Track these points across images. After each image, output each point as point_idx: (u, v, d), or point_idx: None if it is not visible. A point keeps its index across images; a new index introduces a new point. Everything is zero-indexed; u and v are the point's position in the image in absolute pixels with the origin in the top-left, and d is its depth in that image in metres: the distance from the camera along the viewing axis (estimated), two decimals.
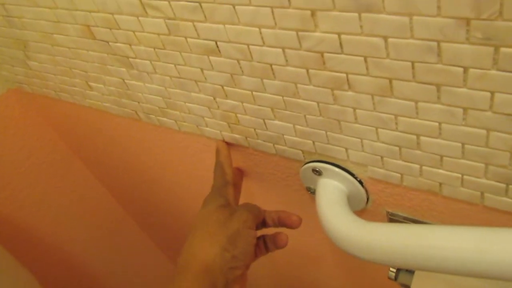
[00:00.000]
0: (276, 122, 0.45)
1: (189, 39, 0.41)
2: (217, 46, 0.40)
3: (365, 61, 0.32)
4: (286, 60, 0.36)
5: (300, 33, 0.33)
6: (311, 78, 0.37)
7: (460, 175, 0.38)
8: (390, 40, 0.29)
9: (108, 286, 1.21)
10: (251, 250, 0.44)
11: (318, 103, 0.39)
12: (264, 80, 0.40)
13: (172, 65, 0.46)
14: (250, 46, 0.37)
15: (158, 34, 0.43)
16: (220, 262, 0.41)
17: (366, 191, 0.47)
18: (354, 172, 0.46)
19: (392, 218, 0.49)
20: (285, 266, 0.91)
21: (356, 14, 0.29)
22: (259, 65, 0.39)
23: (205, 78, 0.45)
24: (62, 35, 0.53)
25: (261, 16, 0.34)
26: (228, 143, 0.54)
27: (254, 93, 0.43)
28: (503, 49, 0.26)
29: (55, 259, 1.04)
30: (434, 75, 0.30)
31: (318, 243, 0.70)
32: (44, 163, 0.93)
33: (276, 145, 0.49)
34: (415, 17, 0.27)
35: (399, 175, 0.42)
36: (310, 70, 0.36)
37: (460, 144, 0.34)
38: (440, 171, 0.38)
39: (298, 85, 0.38)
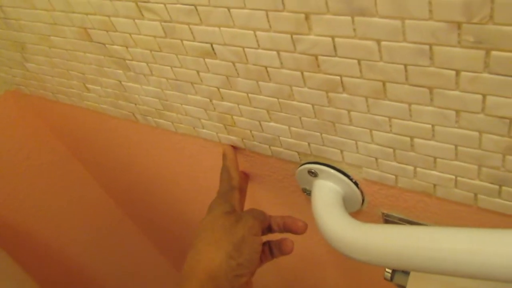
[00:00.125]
0: (272, 124, 0.45)
1: (185, 42, 0.41)
2: (213, 49, 0.40)
3: (359, 63, 0.32)
4: (281, 63, 0.37)
5: (294, 36, 0.33)
6: (305, 81, 0.37)
7: (453, 177, 0.38)
8: (383, 43, 0.30)
9: (106, 287, 1.21)
10: (256, 257, 0.43)
11: (313, 105, 0.39)
12: (260, 82, 0.40)
13: (169, 67, 0.46)
14: (245, 49, 0.38)
15: (154, 37, 0.43)
16: (225, 269, 0.40)
17: (362, 192, 0.47)
18: (349, 173, 0.46)
19: (387, 219, 0.50)
20: (285, 266, 0.91)
21: (349, 18, 0.29)
22: (254, 67, 0.39)
23: (201, 80, 0.45)
24: (59, 37, 0.54)
25: (256, 19, 0.34)
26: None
27: (249, 95, 0.43)
28: (494, 53, 0.26)
29: (53, 259, 1.04)
30: (427, 78, 0.30)
31: (314, 244, 0.70)
32: (42, 164, 0.93)
33: (272, 147, 0.49)
34: (407, 21, 0.27)
35: (393, 176, 0.42)
36: (305, 73, 0.36)
37: (453, 146, 0.35)
38: (434, 172, 0.39)
39: (293, 88, 0.39)
